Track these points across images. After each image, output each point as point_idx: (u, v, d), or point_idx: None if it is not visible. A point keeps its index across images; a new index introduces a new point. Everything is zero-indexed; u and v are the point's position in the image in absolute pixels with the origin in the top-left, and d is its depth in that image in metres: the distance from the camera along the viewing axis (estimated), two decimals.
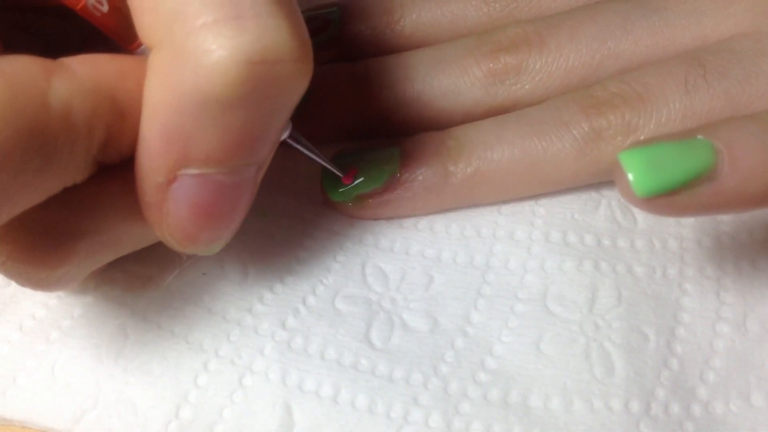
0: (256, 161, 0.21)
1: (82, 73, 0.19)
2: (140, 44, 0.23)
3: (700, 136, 0.21)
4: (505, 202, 0.29)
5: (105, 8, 0.23)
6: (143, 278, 0.28)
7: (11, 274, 0.22)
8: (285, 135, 0.26)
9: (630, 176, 0.21)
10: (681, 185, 0.20)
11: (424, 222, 0.29)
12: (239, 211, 0.22)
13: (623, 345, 0.25)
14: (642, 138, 0.22)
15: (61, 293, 0.28)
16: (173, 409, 0.25)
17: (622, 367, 0.25)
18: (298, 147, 0.27)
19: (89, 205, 0.22)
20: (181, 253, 0.26)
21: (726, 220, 0.28)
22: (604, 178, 0.28)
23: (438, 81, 0.30)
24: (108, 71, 0.20)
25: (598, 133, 0.27)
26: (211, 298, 0.27)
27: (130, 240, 0.24)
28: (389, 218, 0.29)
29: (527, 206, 0.29)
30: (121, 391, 0.25)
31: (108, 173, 0.21)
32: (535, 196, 0.29)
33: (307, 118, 0.30)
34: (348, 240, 0.29)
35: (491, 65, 0.29)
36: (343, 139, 0.31)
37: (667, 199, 0.21)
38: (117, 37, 0.23)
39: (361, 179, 0.28)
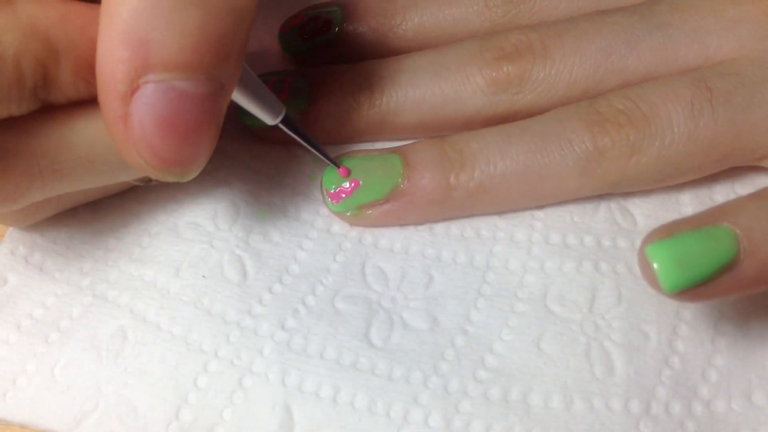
0: (217, 74, 0.21)
1: (22, 11, 0.21)
2: None
3: (723, 225, 0.22)
4: None
5: None
6: None
7: None
8: (278, 119, 0.27)
9: (657, 273, 0.21)
10: (705, 279, 0.21)
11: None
12: (206, 131, 0.22)
13: (623, 344, 0.25)
14: (663, 226, 0.22)
15: (58, 291, 0.28)
16: (173, 411, 0.25)
17: (623, 367, 0.25)
18: (292, 134, 0.27)
19: (39, 139, 0.23)
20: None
21: None
22: (606, 192, 0.28)
23: (440, 88, 0.29)
24: (50, 13, 0.21)
25: (601, 152, 0.27)
26: (210, 300, 0.27)
27: (83, 176, 0.24)
28: (388, 226, 0.29)
29: (527, 210, 0.29)
30: (121, 393, 0.25)
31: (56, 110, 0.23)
32: None
33: (306, 119, 0.30)
34: (347, 240, 0.29)
35: (494, 74, 0.29)
36: (343, 141, 0.31)
37: (691, 291, 0.21)
38: None
39: (363, 190, 0.28)
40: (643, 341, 0.25)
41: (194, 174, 0.23)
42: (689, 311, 0.26)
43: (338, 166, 0.28)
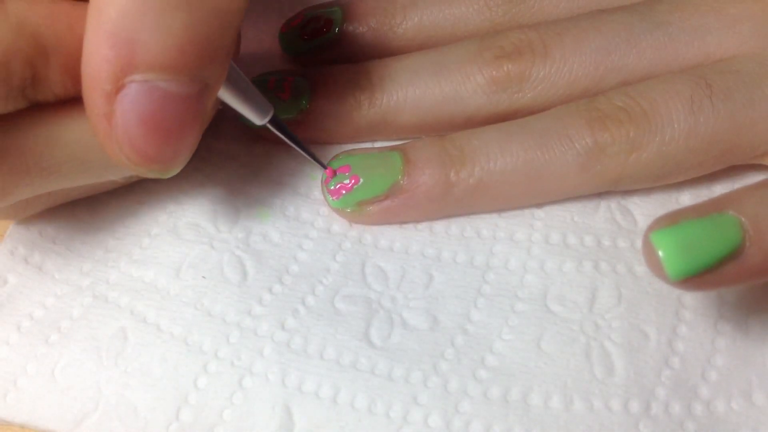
0: (201, 76, 0.22)
1: (11, 10, 0.21)
2: None
3: (728, 212, 0.21)
4: None
5: None
6: None
7: None
8: (266, 119, 0.27)
9: (662, 261, 0.21)
10: (711, 266, 0.21)
11: (424, 222, 0.29)
12: (188, 130, 0.22)
13: (623, 344, 0.25)
14: (668, 213, 0.22)
15: (58, 292, 0.28)
16: (174, 411, 0.25)
17: (623, 367, 0.25)
18: (280, 134, 0.28)
19: (26, 137, 0.23)
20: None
21: None
22: (606, 189, 0.28)
23: (440, 87, 0.29)
24: (39, 12, 0.22)
25: (602, 148, 0.27)
26: (210, 301, 0.27)
27: (71, 174, 0.25)
28: (388, 224, 0.29)
29: (527, 209, 0.29)
30: (121, 394, 0.25)
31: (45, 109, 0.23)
32: None
33: (307, 119, 0.30)
34: (347, 240, 0.29)
35: (494, 73, 0.29)
36: (343, 141, 0.31)
37: (697, 279, 0.21)
38: None
39: (363, 186, 0.28)
40: (643, 341, 0.25)
41: (176, 171, 0.23)
42: (689, 311, 0.26)
43: (325, 167, 0.29)
